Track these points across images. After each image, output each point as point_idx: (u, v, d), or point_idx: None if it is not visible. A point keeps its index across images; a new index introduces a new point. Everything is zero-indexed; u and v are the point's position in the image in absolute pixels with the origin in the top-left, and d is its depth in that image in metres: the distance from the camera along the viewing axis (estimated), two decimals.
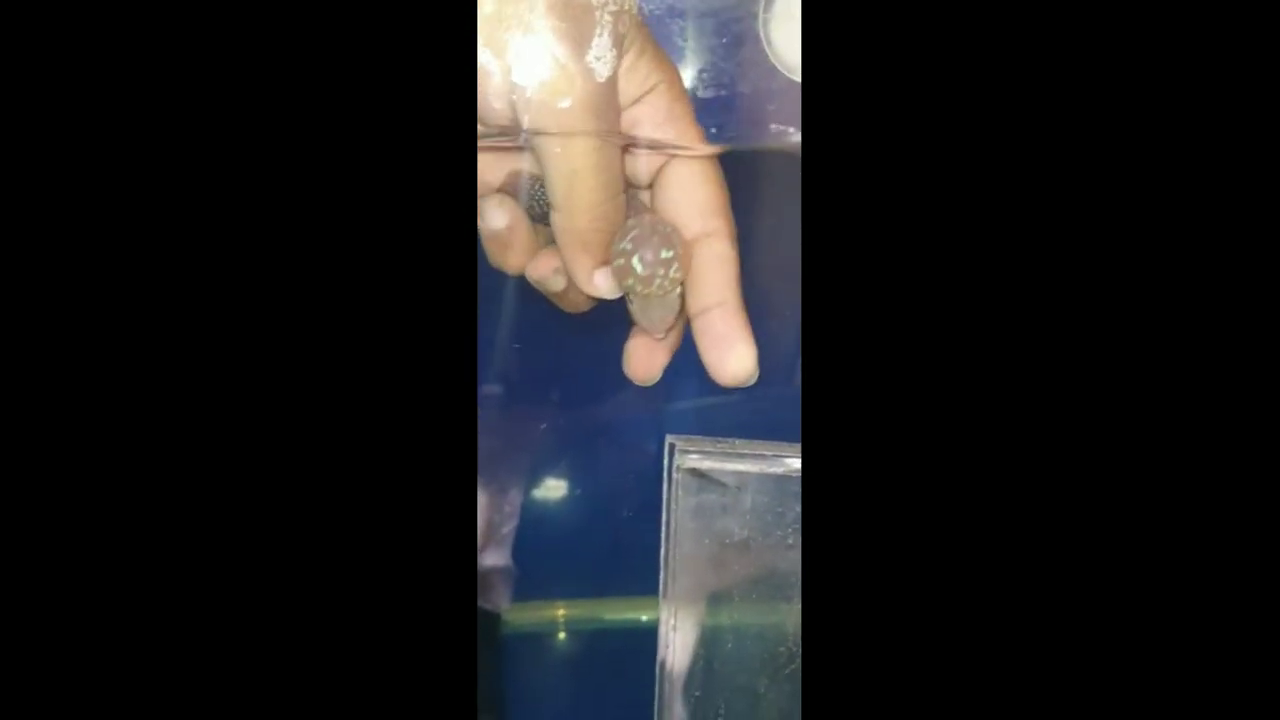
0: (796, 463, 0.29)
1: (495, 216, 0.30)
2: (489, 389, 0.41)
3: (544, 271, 0.30)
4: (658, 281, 0.28)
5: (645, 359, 0.31)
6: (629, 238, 0.28)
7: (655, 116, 0.28)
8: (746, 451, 0.29)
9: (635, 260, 0.28)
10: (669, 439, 0.30)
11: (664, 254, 0.28)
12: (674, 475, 0.29)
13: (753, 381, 0.29)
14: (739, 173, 0.37)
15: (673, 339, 0.31)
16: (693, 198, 0.29)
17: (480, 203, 0.30)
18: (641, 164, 0.30)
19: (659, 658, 0.30)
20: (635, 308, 0.29)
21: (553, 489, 0.41)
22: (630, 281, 0.28)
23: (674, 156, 0.30)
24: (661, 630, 0.30)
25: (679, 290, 0.29)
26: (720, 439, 0.30)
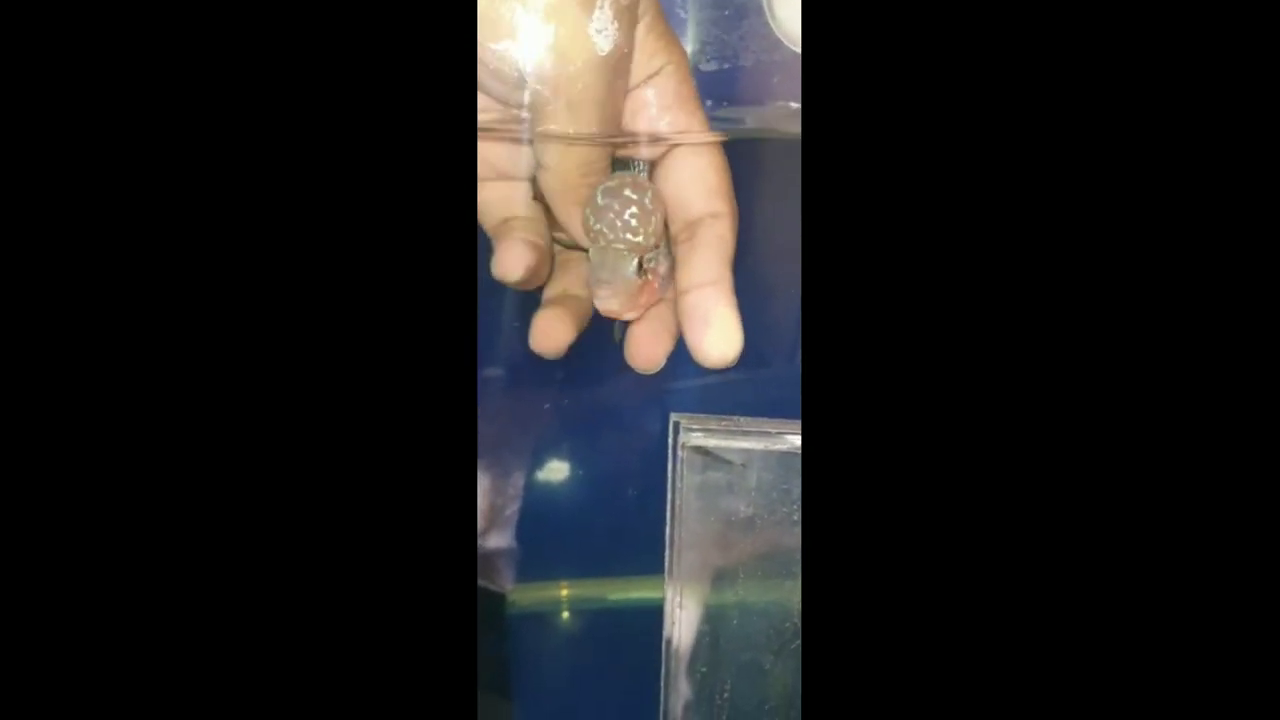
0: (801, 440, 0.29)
1: (513, 263, 0.29)
2: (490, 372, 0.41)
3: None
4: (610, 217, 0.27)
5: (649, 346, 0.31)
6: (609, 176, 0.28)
7: (662, 99, 0.28)
8: (751, 429, 0.29)
9: (599, 190, 0.28)
10: (673, 417, 0.29)
11: (628, 193, 0.27)
12: (679, 453, 0.29)
13: (733, 363, 0.29)
14: (741, 153, 0.37)
15: (674, 325, 0.31)
16: (699, 180, 0.29)
17: (496, 244, 0.30)
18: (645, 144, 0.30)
19: (664, 635, 0.30)
20: (591, 259, 0.29)
21: (556, 470, 0.41)
22: (588, 212, 0.28)
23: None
24: (667, 608, 0.30)
25: (635, 263, 0.28)
26: (725, 417, 0.29)
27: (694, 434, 0.29)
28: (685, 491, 0.29)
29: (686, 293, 0.29)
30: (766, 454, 0.29)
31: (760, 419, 0.29)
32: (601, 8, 0.26)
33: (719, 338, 0.29)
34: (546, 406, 0.38)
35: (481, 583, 0.40)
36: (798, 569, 0.30)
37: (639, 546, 0.34)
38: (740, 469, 0.29)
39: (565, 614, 0.40)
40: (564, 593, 0.39)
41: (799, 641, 0.30)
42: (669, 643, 0.30)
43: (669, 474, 0.29)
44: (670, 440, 0.29)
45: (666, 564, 0.30)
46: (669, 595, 0.30)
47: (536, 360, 0.40)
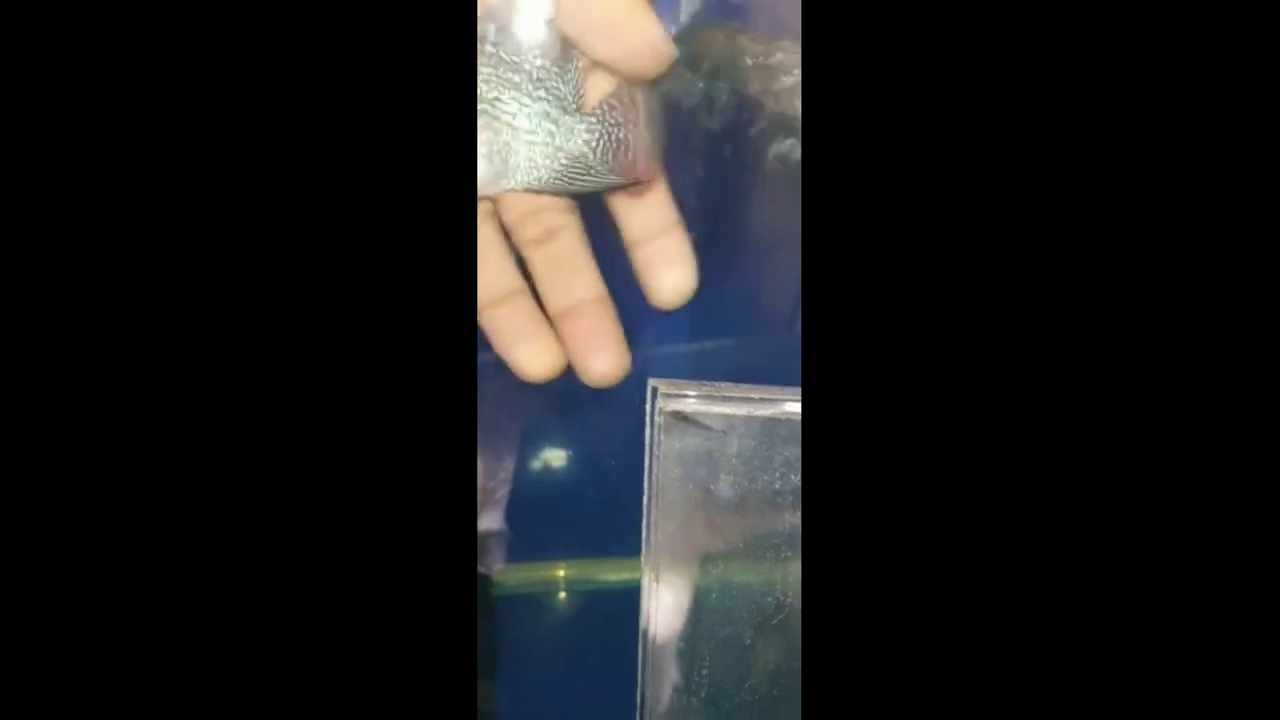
0: (786, 406, 0.28)
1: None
2: (488, 356, 0.40)
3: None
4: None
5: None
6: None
7: None
8: (732, 394, 0.28)
9: None
10: (651, 383, 0.28)
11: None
12: (656, 420, 0.28)
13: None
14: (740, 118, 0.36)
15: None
16: None
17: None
18: None
19: (642, 609, 0.29)
20: None
21: (546, 451, 0.40)
22: None
23: None
24: (644, 581, 0.29)
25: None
26: (705, 382, 0.28)
27: (672, 399, 0.28)
28: (663, 459, 0.28)
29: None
30: (748, 420, 0.28)
31: (741, 385, 0.28)
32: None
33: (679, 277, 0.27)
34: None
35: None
36: (780, 541, 0.28)
37: (629, 526, 0.33)
38: (720, 435, 0.28)
39: (555, 595, 0.39)
40: (552, 573, 0.38)
41: (782, 616, 0.28)
42: (646, 618, 0.29)
43: (646, 441, 0.28)
44: (648, 406, 0.28)
45: (644, 535, 0.29)
46: (646, 568, 0.29)
47: None
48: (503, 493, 0.41)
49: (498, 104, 0.26)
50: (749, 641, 0.29)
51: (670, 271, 0.27)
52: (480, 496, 0.41)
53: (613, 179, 0.27)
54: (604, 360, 0.27)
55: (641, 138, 0.26)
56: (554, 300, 0.27)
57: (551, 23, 0.26)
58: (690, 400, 0.28)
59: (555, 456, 0.41)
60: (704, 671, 0.29)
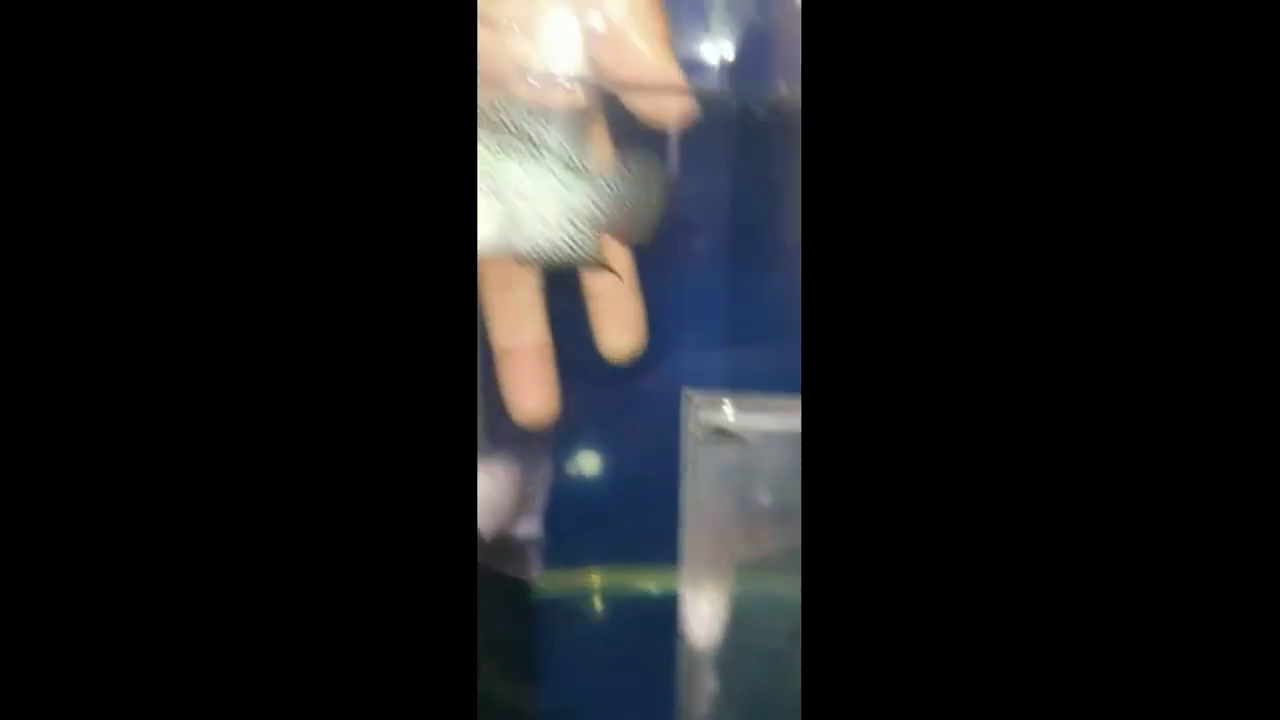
0: None
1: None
2: None
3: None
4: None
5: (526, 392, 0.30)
6: None
7: None
8: (768, 406, 0.28)
9: None
10: (685, 392, 0.28)
11: None
12: (691, 431, 0.28)
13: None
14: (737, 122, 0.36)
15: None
16: None
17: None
18: None
19: (680, 621, 0.29)
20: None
21: (583, 457, 0.40)
22: None
23: None
24: (681, 594, 0.29)
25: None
26: (741, 393, 0.28)
27: (707, 411, 0.28)
28: (698, 471, 0.28)
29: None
30: (784, 433, 0.28)
31: (777, 396, 0.28)
32: None
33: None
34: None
35: (509, 571, 0.40)
36: None
37: (666, 534, 0.33)
38: (756, 448, 0.28)
39: (594, 602, 0.39)
40: (592, 580, 0.38)
41: None
42: (683, 629, 0.29)
43: (681, 453, 0.28)
44: (683, 417, 0.28)
45: (679, 546, 0.29)
46: (683, 580, 0.29)
47: (558, 346, 0.39)
48: (540, 499, 0.41)
49: (501, 169, 0.26)
50: (789, 654, 0.29)
51: (617, 335, 0.30)
52: (519, 504, 0.41)
53: (598, 257, 0.27)
54: (533, 403, 0.30)
55: (647, 203, 0.27)
56: (501, 337, 0.30)
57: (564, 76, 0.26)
58: (725, 411, 0.28)
59: (592, 464, 0.40)
60: (742, 683, 0.29)
